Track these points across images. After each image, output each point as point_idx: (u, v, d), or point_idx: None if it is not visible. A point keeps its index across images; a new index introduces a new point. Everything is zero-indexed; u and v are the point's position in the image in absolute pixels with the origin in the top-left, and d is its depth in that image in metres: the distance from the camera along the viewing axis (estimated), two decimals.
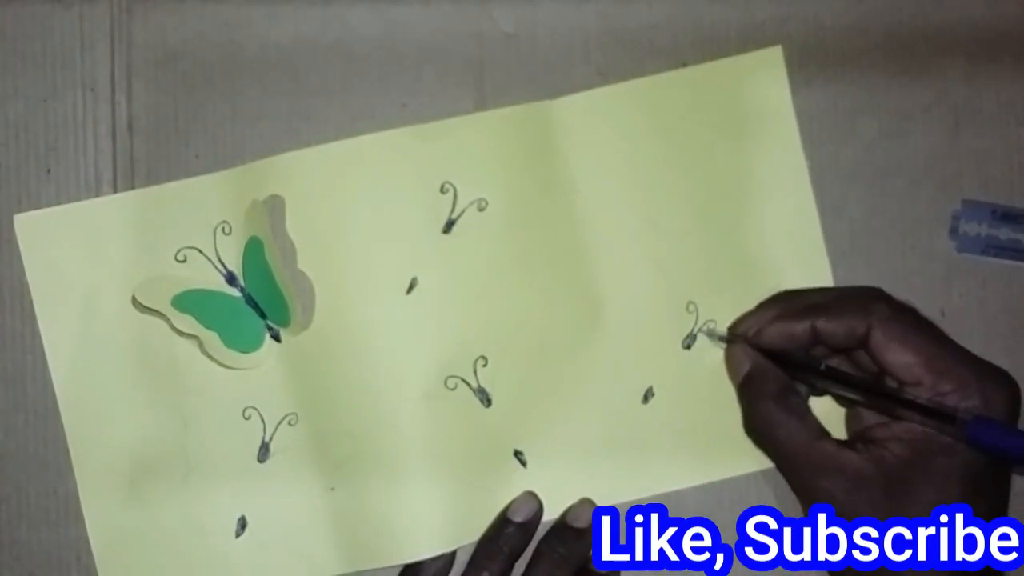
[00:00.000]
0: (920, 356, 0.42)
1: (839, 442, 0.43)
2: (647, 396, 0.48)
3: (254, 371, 0.47)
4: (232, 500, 0.47)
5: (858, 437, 0.44)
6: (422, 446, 0.47)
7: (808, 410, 0.44)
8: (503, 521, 0.47)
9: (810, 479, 0.43)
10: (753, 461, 0.48)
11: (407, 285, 0.47)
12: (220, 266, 0.47)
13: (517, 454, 0.48)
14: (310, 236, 0.47)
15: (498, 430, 0.48)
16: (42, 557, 0.47)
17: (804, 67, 0.49)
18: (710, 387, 0.48)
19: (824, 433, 0.44)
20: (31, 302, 0.47)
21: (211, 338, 0.46)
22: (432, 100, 0.48)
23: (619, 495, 0.48)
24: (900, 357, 0.42)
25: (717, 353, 0.48)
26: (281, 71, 0.48)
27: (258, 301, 0.47)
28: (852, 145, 0.49)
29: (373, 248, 0.47)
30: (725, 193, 0.48)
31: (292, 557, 0.47)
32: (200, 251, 0.47)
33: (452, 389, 0.47)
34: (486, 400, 0.48)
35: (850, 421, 0.47)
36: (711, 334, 0.48)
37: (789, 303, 0.46)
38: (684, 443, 0.48)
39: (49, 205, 0.47)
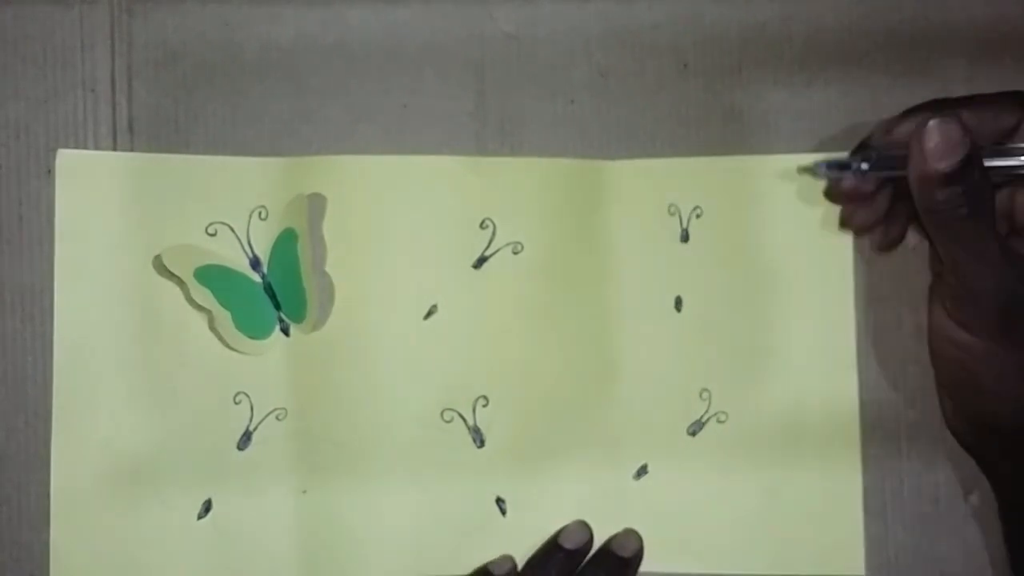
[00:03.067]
0: None
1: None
2: (640, 473, 0.48)
3: (256, 359, 0.47)
4: (203, 481, 0.47)
5: None
6: (405, 471, 0.47)
7: None
8: (553, 546, 0.47)
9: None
10: (738, 564, 0.48)
11: (426, 310, 0.47)
12: (248, 249, 0.47)
13: (499, 501, 0.48)
14: (343, 241, 0.47)
15: (485, 474, 0.47)
16: (42, 558, 0.47)
17: (805, 67, 0.49)
18: (708, 478, 0.48)
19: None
20: (31, 303, 0.47)
21: (223, 316, 0.47)
22: (433, 100, 0.48)
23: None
24: None
25: (721, 446, 0.48)
26: (282, 72, 0.48)
27: (277, 292, 0.47)
28: (853, 146, 0.49)
29: (402, 267, 0.47)
30: (763, 289, 0.48)
31: (250, 551, 0.47)
32: (232, 229, 0.47)
33: (448, 422, 0.47)
34: (479, 440, 0.47)
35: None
36: (817, 169, 0.46)
37: (923, 108, 0.44)
38: (668, 528, 0.48)
39: (50, 206, 0.47)
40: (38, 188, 0.48)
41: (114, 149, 0.48)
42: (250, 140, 0.48)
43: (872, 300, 0.49)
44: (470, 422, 0.48)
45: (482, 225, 0.48)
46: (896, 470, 0.48)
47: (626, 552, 0.47)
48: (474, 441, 0.47)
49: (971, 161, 0.41)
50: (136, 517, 0.47)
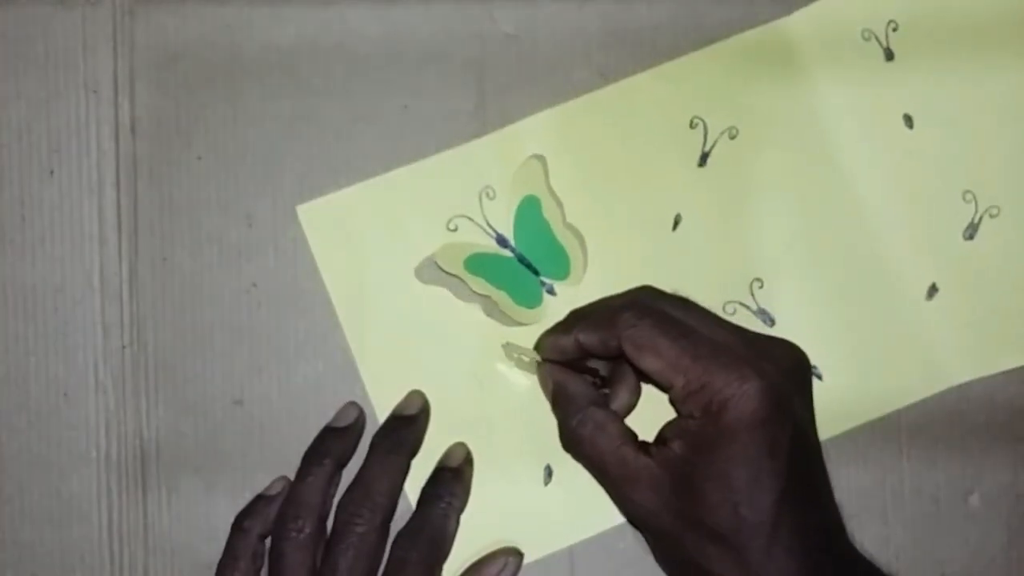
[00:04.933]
0: (664, 360, 0.41)
1: (640, 446, 0.43)
2: (931, 292, 0.48)
3: (536, 327, 0.48)
4: (536, 450, 0.48)
5: (657, 437, 0.44)
6: None
7: (612, 418, 0.44)
8: (326, 430, 0.47)
9: (618, 491, 0.43)
10: None
11: (672, 222, 0.48)
12: (490, 229, 0.48)
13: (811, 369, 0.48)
14: (572, 190, 0.48)
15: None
16: (45, 558, 0.48)
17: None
18: (998, 274, 0.48)
19: (629, 439, 0.43)
20: (33, 303, 0.48)
21: (502, 296, 0.48)
22: (433, 101, 0.48)
23: (912, 395, 0.48)
24: (649, 364, 0.42)
25: (1002, 240, 0.48)
26: (282, 72, 0.48)
27: (530, 259, 0.48)
28: None
29: (633, 193, 0.49)
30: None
31: (598, 505, 0.47)
32: (469, 218, 0.48)
33: (731, 314, 0.48)
34: (768, 320, 0.48)
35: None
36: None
37: (571, 314, 0.47)
38: (972, 336, 0.48)
39: (52, 207, 0.48)
40: (40, 189, 0.48)
41: (116, 150, 0.48)
42: (251, 140, 0.48)
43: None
44: (753, 306, 0.48)
45: (691, 124, 0.49)
46: (897, 470, 0.48)
47: (411, 410, 0.47)
48: (764, 322, 0.48)
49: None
50: (482, 493, 0.48)
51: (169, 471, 0.48)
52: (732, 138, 0.49)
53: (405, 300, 0.48)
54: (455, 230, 0.48)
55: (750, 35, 0.49)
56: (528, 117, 0.48)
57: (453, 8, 0.49)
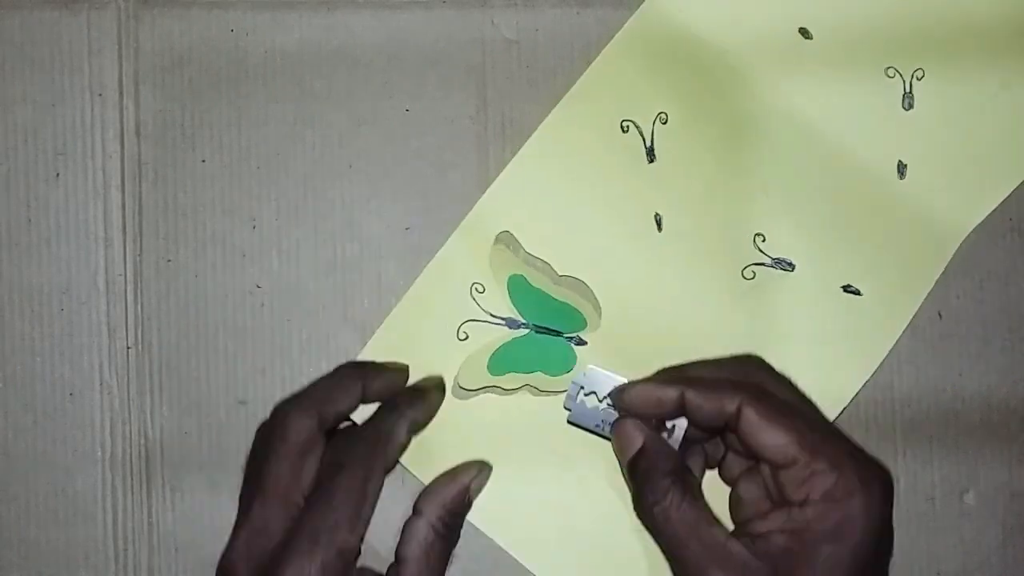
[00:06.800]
0: (792, 435, 0.40)
1: (728, 532, 0.41)
2: (901, 170, 0.49)
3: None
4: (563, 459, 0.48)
5: (743, 529, 0.42)
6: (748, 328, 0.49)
7: (702, 494, 0.43)
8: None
9: (700, 569, 0.41)
10: None
11: (655, 224, 0.49)
12: (497, 320, 0.48)
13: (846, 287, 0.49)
14: (547, 245, 0.48)
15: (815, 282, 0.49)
16: (50, 556, 0.48)
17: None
18: (949, 128, 0.49)
19: (716, 520, 0.42)
20: (39, 304, 0.48)
21: (538, 378, 0.48)
22: (435, 105, 0.49)
23: (937, 264, 0.49)
24: (773, 437, 0.41)
25: (938, 96, 0.49)
26: (286, 77, 0.49)
27: (547, 324, 0.48)
28: None
29: (604, 214, 0.49)
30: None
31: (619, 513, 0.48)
32: (473, 319, 0.48)
33: (751, 279, 0.49)
34: (789, 266, 0.49)
35: (734, 510, 0.45)
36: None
37: (666, 371, 0.45)
38: (957, 190, 0.49)
39: (58, 210, 0.48)
40: (46, 191, 0.48)
41: (121, 153, 0.48)
42: (255, 144, 0.49)
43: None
44: (767, 261, 0.49)
45: (623, 129, 0.49)
46: (892, 468, 0.48)
47: (422, 385, 0.47)
48: (785, 269, 0.49)
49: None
50: (557, 515, 0.48)
51: (173, 470, 0.48)
52: (663, 123, 0.49)
53: (457, 415, 0.48)
54: (466, 338, 0.48)
55: (628, 29, 0.49)
56: (480, 199, 0.48)
57: (454, 14, 0.49)
